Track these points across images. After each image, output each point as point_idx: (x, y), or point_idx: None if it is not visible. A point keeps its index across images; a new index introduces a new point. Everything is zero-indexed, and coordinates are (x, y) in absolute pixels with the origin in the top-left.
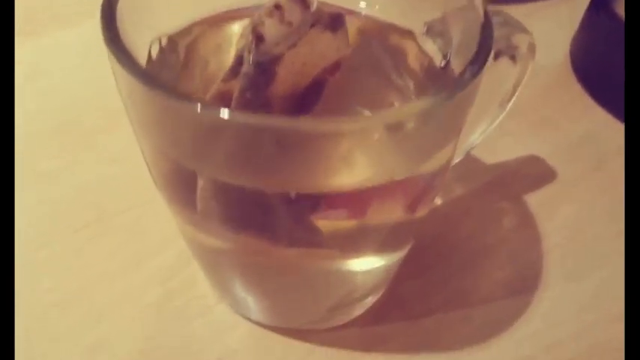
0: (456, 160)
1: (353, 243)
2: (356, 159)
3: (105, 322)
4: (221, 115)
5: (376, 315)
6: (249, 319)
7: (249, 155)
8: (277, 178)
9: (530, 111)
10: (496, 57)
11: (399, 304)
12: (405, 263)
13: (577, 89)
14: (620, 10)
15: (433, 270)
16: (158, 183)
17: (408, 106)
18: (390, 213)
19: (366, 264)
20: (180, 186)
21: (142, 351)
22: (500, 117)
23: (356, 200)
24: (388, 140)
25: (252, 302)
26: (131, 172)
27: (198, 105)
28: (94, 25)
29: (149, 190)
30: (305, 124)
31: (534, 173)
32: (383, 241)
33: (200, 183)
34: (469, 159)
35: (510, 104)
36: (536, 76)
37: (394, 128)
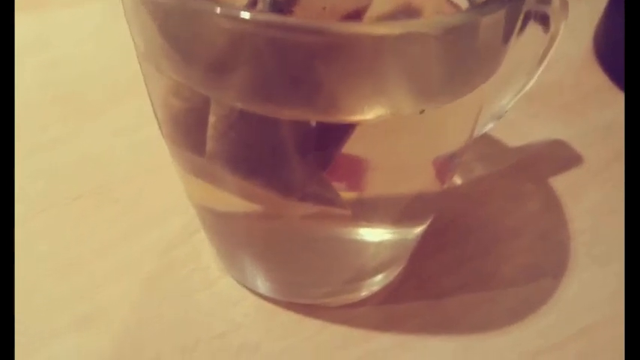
0: (487, 128)
1: (368, 209)
2: (388, 80)
3: (101, 291)
4: (241, 16)
5: (392, 293)
6: (256, 293)
7: (272, 70)
8: (301, 99)
9: (554, 96)
10: (526, 19)
11: (417, 283)
12: (423, 241)
13: (601, 77)
14: None
15: (453, 249)
16: (166, 129)
17: (456, 15)
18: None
19: (382, 235)
20: (190, 128)
21: (139, 321)
22: (530, 83)
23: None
24: (426, 57)
25: (260, 272)
26: (135, 143)
27: (217, 8)
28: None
29: (153, 160)
30: (341, 27)
31: (560, 157)
32: (401, 212)
33: (212, 119)
34: (491, 140)
35: (542, 68)
36: (559, 63)
37: (439, 38)
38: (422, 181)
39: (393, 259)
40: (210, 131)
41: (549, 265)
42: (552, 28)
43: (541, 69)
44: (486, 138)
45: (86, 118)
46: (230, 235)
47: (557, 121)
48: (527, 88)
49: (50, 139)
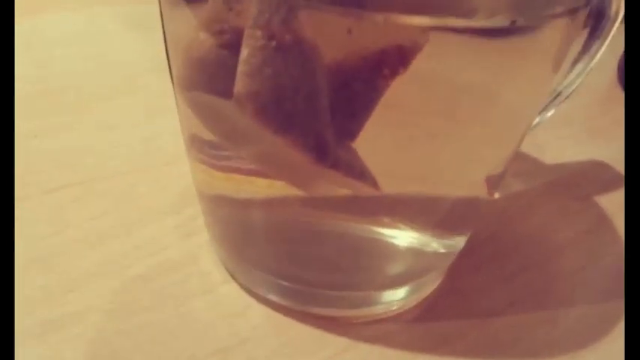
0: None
1: (401, 205)
2: None
3: (74, 294)
4: None
5: (429, 310)
6: (266, 302)
7: None
8: None
9: (583, 121)
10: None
11: (458, 299)
12: (462, 255)
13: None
14: None
15: (496, 265)
16: (188, 76)
17: None
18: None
19: (417, 241)
20: (220, 67)
21: (118, 331)
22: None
23: None
24: None
25: (273, 271)
26: (129, 138)
27: None
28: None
29: (149, 157)
30: None
31: (600, 177)
32: (439, 216)
33: (244, 53)
34: (526, 158)
35: (593, 63)
36: (584, 93)
37: None
38: (469, 185)
39: (427, 269)
40: (241, 67)
41: (610, 284)
42: (613, 10)
43: (595, 61)
44: (520, 156)
45: (80, 112)
46: (243, 226)
47: (589, 143)
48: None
49: (38, 130)
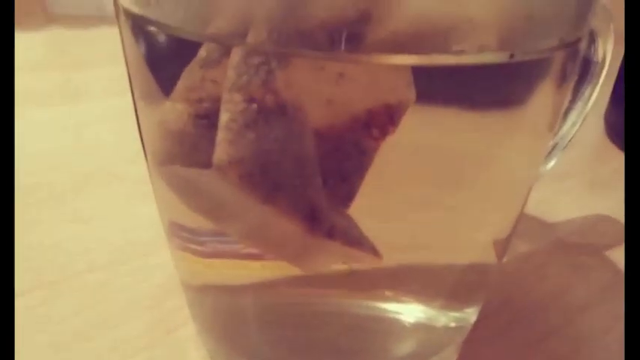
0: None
1: (407, 277)
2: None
3: None
4: None
5: None
6: None
7: None
8: None
9: (579, 175)
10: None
11: None
12: (477, 328)
13: (620, 155)
14: None
15: (514, 332)
16: (165, 150)
17: None
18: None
19: (425, 315)
20: (200, 137)
21: None
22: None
23: None
24: None
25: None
26: (104, 231)
27: None
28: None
29: (126, 249)
30: None
31: (609, 230)
32: (447, 289)
33: (224, 119)
34: (527, 217)
35: (591, 103)
36: (575, 149)
37: None
38: (475, 252)
39: (438, 346)
40: (221, 133)
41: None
42: (600, 48)
43: (589, 106)
44: (522, 216)
45: (52, 207)
46: (235, 314)
47: (591, 196)
48: (576, 129)
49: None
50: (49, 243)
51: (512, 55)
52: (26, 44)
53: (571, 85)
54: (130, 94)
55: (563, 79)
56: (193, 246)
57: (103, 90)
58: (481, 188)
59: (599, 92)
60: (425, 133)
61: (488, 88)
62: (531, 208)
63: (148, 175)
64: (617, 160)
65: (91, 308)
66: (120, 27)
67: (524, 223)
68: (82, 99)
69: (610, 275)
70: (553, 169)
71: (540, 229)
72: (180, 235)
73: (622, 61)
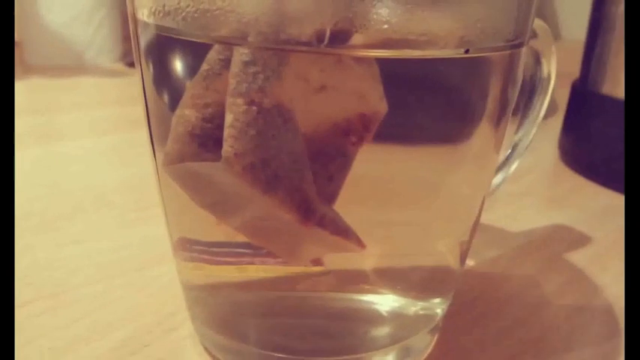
0: (499, 179)
1: (381, 275)
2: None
3: None
4: None
5: None
6: None
7: None
8: None
9: (542, 192)
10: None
11: (458, 356)
12: (454, 316)
13: (575, 177)
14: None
15: (488, 322)
16: (177, 149)
17: None
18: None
19: (398, 304)
20: (208, 138)
21: None
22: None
23: None
24: None
25: (267, 347)
26: (97, 251)
27: None
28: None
29: (119, 264)
30: None
31: (566, 238)
32: (417, 284)
33: (229, 119)
34: (493, 228)
35: (542, 115)
36: (533, 172)
37: None
38: (439, 255)
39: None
40: (227, 131)
41: (597, 327)
42: (544, 66)
43: (541, 116)
44: (490, 227)
45: (44, 232)
46: (235, 306)
47: (549, 211)
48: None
49: None
50: (45, 263)
51: (467, 51)
52: None
53: (508, 115)
54: (108, 134)
55: (509, 82)
56: (202, 255)
57: (82, 131)
58: (437, 208)
59: (553, 123)
60: (386, 167)
61: (449, 83)
62: (496, 221)
63: (135, 203)
64: (571, 180)
65: (89, 316)
66: (136, 40)
67: (490, 233)
68: (64, 139)
69: (568, 274)
70: (514, 190)
71: (505, 238)
72: (189, 247)
73: (570, 91)
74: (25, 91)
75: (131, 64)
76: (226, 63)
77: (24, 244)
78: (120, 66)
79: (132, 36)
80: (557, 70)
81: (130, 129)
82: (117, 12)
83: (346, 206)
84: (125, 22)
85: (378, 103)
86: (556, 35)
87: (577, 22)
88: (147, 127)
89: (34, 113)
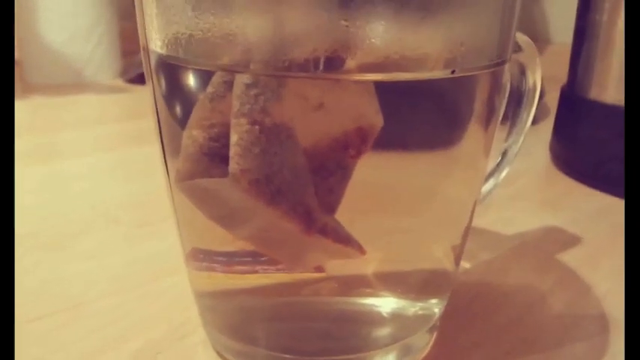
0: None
1: (381, 279)
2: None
3: None
4: None
5: None
6: None
7: None
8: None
9: (534, 196)
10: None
11: (456, 351)
12: (451, 315)
13: (566, 180)
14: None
15: (485, 320)
16: (187, 168)
17: None
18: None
19: (397, 305)
20: (214, 156)
21: None
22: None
23: None
24: None
25: (276, 348)
26: (110, 265)
27: None
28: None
29: (132, 278)
30: None
31: (558, 239)
32: (415, 286)
33: (234, 138)
34: (488, 232)
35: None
36: (525, 176)
37: None
38: (435, 259)
39: (411, 330)
40: (233, 149)
41: (589, 324)
42: (530, 77)
43: (528, 124)
44: (485, 231)
45: (57, 249)
46: (246, 311)
47: (541, 213)
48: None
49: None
50: (57, 278)
51: (453, 71)
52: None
53: (496, 121)
54: (110, 150)
55: (495, 92)
56: (214, 265)
57: (85, 149)
58: (431, 213)
59: (545, 127)
60: (383, 176)
61: (439, 96)
62: (491, 225)
63: (140, 219)
64: (562, 183)
65: (105, 327)
66: (149, 67)
67: (485, 235)
68: (67, 157)
69: (560, 274)
70: (507, 193)
71: (500, 240)
72: (202, 257)
73: (559, 99)
74: (26, 109)
75: (130, 81)
76: (229, 86)
77: (34, 260)
78: (119, 82)
79: (144, 63)
80: (549, 74)
81: (132, 145)
82: (115, 29)
83: (346, 215)
84: (123, 38)
85: (374, 117)
86: (546, 39)
87: (567, 26)
88: (159, 143)
89: (35, 132)
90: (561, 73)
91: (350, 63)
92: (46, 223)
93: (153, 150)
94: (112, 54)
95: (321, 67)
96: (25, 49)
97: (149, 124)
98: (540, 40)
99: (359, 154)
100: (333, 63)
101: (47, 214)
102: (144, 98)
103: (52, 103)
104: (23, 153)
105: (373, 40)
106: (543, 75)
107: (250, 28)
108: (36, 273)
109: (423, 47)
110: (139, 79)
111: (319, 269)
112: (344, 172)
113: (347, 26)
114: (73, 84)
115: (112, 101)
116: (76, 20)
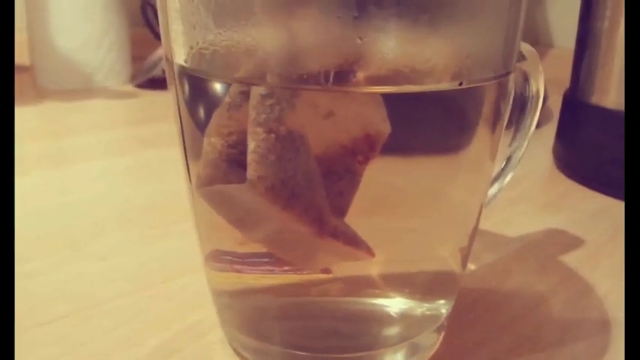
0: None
1: (389, 280)
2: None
3: None
4: None
5: None
6: None
7: None
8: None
9: (536, 198)
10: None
11: (461, 350)
12: (456, 315)
13: (568, 182)
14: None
15: (488, 320)
16: (206, 174)
17: None
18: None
19: (406, 306)
20: (232, 163)
21: None
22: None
23: None
24: None
25: (288, 345)
26: (125, 265)
27: None
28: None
29: (147, 277)
30: None
31: (559, 241)
32: (422, 287)
33: (251, 146)
34: (491, 234)
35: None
36: (528, 178)
37: None
38: (442, 260)
39: (418, 329)
40: (250, 156)
41: (589, 324)
42: (533, 85)
43: (532, 130)
44: (488, 233)
45: (73, 249)
46: (262, 309)
47: (543, 215)
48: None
49: (37, 269)
50: (72, 279)
51: (461, 83)
52: (21, 118)
53: (502, 127)
54: (121, 155)
55: (501, 99)
56: (232, 265)
57: (96, 153)
58: (439, 216)
59: (548, 131)
60: (391, 180)
61: (446, 104)
62: (495, 226)
63: (154, 220)
64: (564, 185)
65: (123, 325)
66: (172, 78)
67: (489, 237)
68: (79, 161)
69: (562, 275)
70: (511, 195)
71: (502, 242)
72: (221, 258)
73: (562, 104)
74: (37, 115)
75: (139, 86)
76: (246, 96)
77: (49, 262)
78: (129, 87)
79: (167, 72)
80: (552, 78)
81: (142, 149)
82: (125, 35)
83: (356, 218)
84: (132, 44)
85: (381, 125)
86: (549, 43)
87: (569, 30)
88: (182, 148)
89: (48, 136)
90: (564, 76)
91: (360, 75)
92: (60, 225)
93: (163, 153)
94: (122, 60)
95: (333, 79)
96: (37, 55)
97: (159, 128)
98: (543, 44)
99: (367, 159)
100: (345, 76)
101: (61, 217)
102: (153, 103)
103: (64, 108)
104: (36, 157)
105: (385, 55)
106: (546, 78)
107: (268, 44)
108: (50, 275)
109: (431, 60)
110: (149, 85)
111: (326, 271)
112: (353, 177)
113: (360, 42)
114: (84, 89)
115: (122, 106)
116: (88, 27)
